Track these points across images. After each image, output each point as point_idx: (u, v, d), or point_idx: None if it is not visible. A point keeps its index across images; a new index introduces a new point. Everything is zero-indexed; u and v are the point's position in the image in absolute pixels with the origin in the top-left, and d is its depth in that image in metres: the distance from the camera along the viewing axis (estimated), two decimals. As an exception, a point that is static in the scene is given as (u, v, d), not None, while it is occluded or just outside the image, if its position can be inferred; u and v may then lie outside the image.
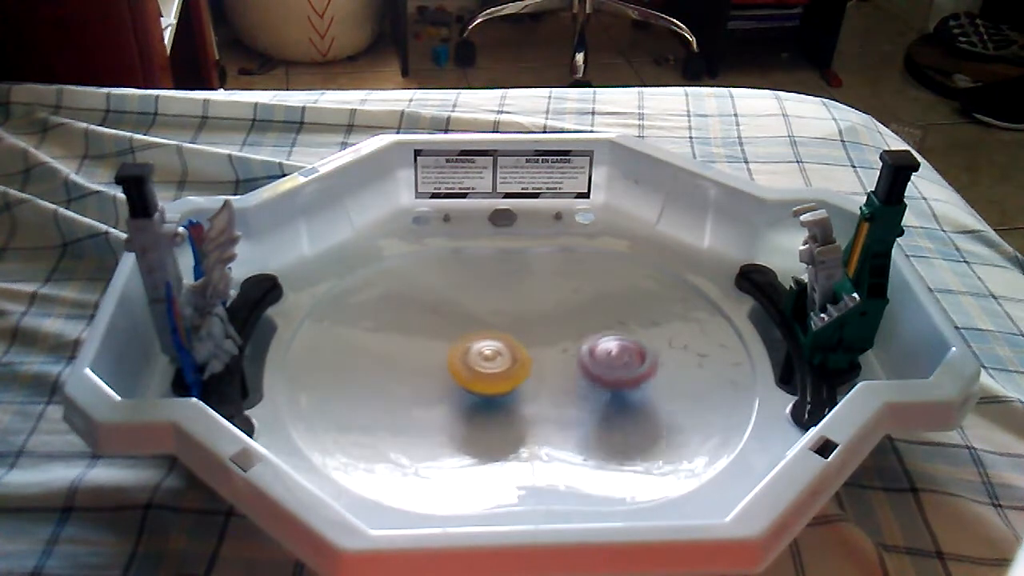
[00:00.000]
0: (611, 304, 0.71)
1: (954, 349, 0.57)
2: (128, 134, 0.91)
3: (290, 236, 0.73)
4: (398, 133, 0.92)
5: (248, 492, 0.47)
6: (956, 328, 0.64)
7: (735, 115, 1.01)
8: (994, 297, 0.76)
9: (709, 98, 1.05)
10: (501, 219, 0.79)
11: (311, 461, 0.57)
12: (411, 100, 1.01)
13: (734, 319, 0.69)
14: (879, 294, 0.60)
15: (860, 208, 0.59)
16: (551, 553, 0.46)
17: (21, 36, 1.11)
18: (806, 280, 0.63)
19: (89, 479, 0.57)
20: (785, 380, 0.64)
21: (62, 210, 0.79)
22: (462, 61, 2.37)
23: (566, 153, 0.77)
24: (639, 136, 0.96)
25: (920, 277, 0.64)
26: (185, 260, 0.59)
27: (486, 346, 0.62)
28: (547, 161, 0.77)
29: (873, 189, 0.59)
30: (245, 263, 0.66)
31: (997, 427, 0.63)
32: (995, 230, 0.88)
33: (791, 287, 0.66)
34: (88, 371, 0.53)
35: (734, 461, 0.57)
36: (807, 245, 0.61)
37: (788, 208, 0.63)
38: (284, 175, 0.79)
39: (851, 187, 0.89)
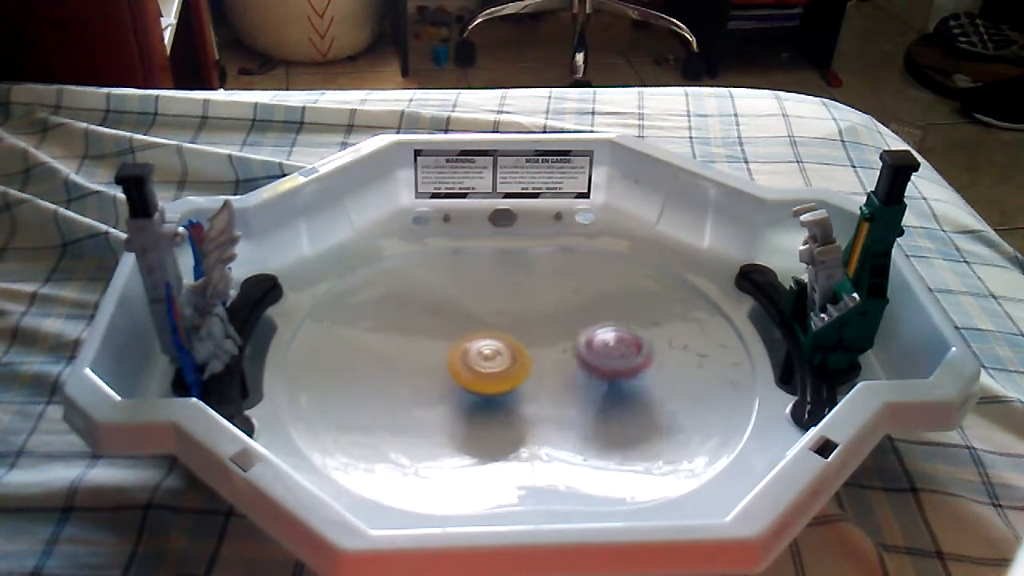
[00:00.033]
0: (611, 304, 0.71)
1: (954, 349, 0.57)
2: (128, 134, 0.91)
3: (290, 236, 0.73)
4: (398, 133, 0.92)
5: (248, 492, 0.47)
6: (956, 328, 0.64)
7: (735, 115, 1.01)
8: (994, 297, 0.76)
9: (709, 98, 1.05)
10: (501, 219, 0.79)
11: (311, 461, 0.57)
12: (411, 100, 1.01)
13: (734, 319, 0.69)
14: (879, 294, 0.60)
15: (860, 208, 0.59)
16: (551, 553, 0.46)
17: (21, 36, 1.11)
18: (806, 280, 0.63)
19: (89, 479, 0.57)
20: (785, 380, 0.64)
21: (62, 210, 0.79)
22: (462, 61, 2.37)
23: (566, 153, 0.77)
24: (639, 136, 0.96)
25: (920, 277, 0.64)
26: (185, 260, 0.59)
27: (486, 346, 0.62)
28: (547, 161, 0.77)
29: (873, 189, 0.59)
30: (245, 263, 0.66)
31: (997, 427, 0.63)
32: (995, 230, 0.88)
33: (791, 287, 0.66)
34: (88, 371, 0.53)
35: (734, 461, 0.57)
36: (807, 245, 0.61)
37: (788, 208, 0.63)
38: (284, 175, 0.79)
39: (851, 187, 0.89)
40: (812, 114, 1.03)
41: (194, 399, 0.52)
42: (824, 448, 0.50)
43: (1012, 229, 1.79)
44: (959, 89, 2.28)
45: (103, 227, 0.77)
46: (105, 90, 0.99)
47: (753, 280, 0.71)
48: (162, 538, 0.54)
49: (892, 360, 0.64)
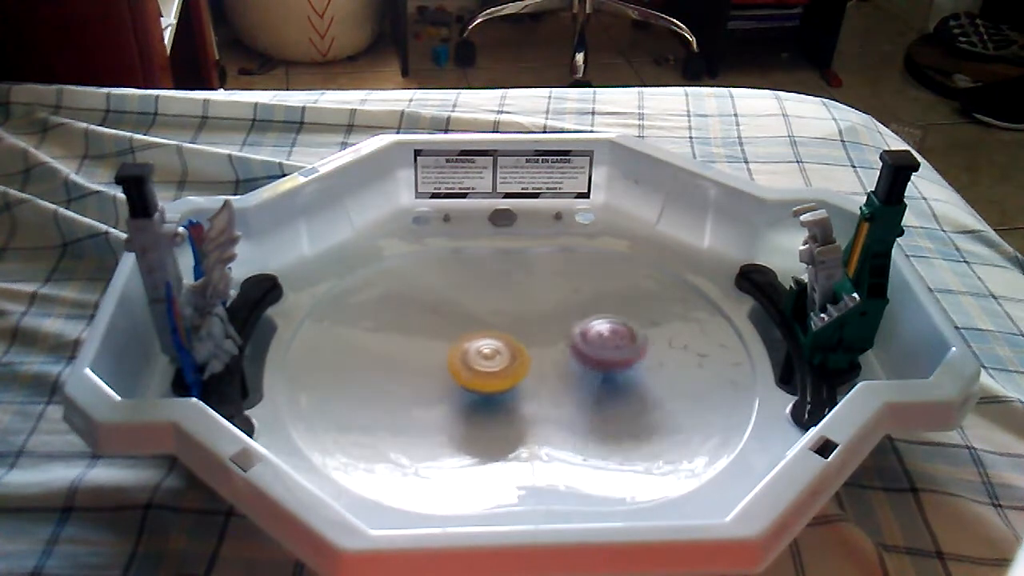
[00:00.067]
0: (611, 304, 0.71)
1: (954, 349, 0.57)
2: (128, 134, 0.91)
3: (290, 236, 0.73)
4: (398, 133, 0.92)
5: (248, 492, 0.47)
6: (956, 328, 0.64)
7: (735, 115, 1.01)
8: (994, 297, 0.76)
9: (709, 98, 1.05)
10: (501, 219, 0.79)
11: (311, 461, 0.57)
12: (411, 100, 1.01)
13: (734, 319, 0.69)
14: (879, 294, 0.60)
15: (860, 208, 0.59)
16: (551, 553, 0.46)
17: (21, 36, 1.11)
18: (806, 280, 0.63)
19: (89, 479, 0.57)
20: (785, 380, 0.64)
21: (62, 210, 0.79)
22: (462, 61, 2.37)
23: (566, 153, 0.77)
24: (639, 136, 0.96)
25: (920, 277, 0.64)
26: (185, 260, 0.59)
27: (485, 345, 0.62)
28: (547, 161, 0.77)
29: (873, 189, 0.59)
30: (245, 263, 0.66)
31: (997, 427, 0.63)
32: (995, 230, 0.88)
33: (791, 287, 0.66)
34: (88, 371, 0.53)
35: (734, 461, 0.57)
36: (807, 245, 0.61)
37: (788, 208, 0.63)
38: (284, 175, 0.79)
39: (851, 187, 0.89)
40: (812, 114, 1.03)
41: (194, 399, 0.52)
42: (824, 448, 0.50)
43: (1012, 229, 1.79)
44: (959, 89, 2.28)
45: (103, 227, 0.77)
46: (105, 90, 0.99)
47: (753, 280, 0.71)
48: (162, 538, 0.54)
49: (892, 360, 0.64)
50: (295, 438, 0.58)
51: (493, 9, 2.33)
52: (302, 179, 0.73)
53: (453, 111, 0.98)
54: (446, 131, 0.94)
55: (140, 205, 0.54)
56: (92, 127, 0.92)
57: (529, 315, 0.70)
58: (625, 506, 0.55)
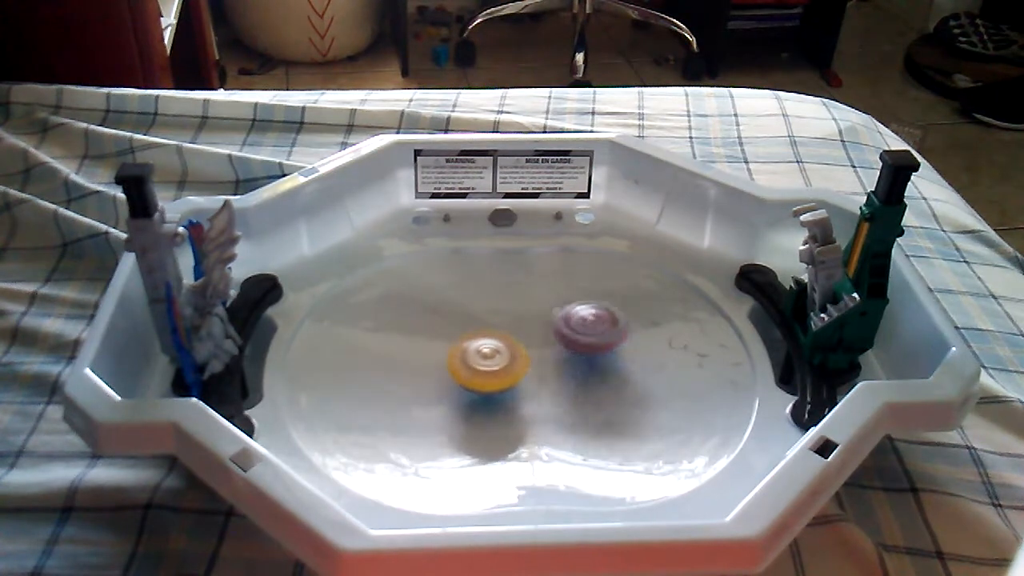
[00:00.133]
0: (611, 304, 0.71)
1: (954, 349, 0.57)
2: (128, 134, 0.91)
3: (290, 236, 0.73)
4: (398, 133, 0.92)
5: (248, 492, 0.47)
6: (956, 328, 0.64)
7: (735, 115, 1.01)
8: (994, 297, 0.76)
9: (709, 98, 1.05)
10: (501, 219, 0.79)
11: (311, 461, 0.57)
12: (411, 100, 1.01)
13: (734, 319, 0.69)
14: (879, 294, 0.60)
15: (860, 208, 0.59)
16: (551, 553, 0.46)
17: (21, 36, 1.11)
18: (806, 280, 0.63)
19: (89, 479, 0.57)
20: (785, 380, 0.64)
21: (62, 210, 0.79)
22: (462, 61, 2.37)
23: (566, 153, 0.77)
24: (639, 136, 0.96)
25: (920, 277, 0.64)
26: (185, 260, 0.59)
27: (485, 344, 0.62)
28: (547, 161, 0.77)
29: (873, 189, 0.59)
30: (245, 263, 0.66)
31: (997, 427, 0.63)
32: (995, 230, 0.88)
33: (791, 287, 0.66)
34: (88, 371, 0.53)
35: (734, 461, 0.57)
36: (807, 245, 0.61)
37: (788, 208, 0.63)
38: (284, 175, 0.79)
39: (851, 187, 0.89)
40: (812, 114, 1.03)
41: (194, 399, 0.52)
42: (824, 448, 0.50)
43: (1012, 229, 1.79)
44: (959, 89, 2.28)
45: (103, 227, 0.77)
46: (105, 90, 0.99)
47: (753, 280, 0.71)
48: (162, 538, 0.54)
49: (892, 360, 0.63)
50: (295, 438, 0.58)
51: (493, 9, 2.33)
52: (302, 179, 0.73)
53: (453, 111, 0.98)
54: (446, 131, 0.94)
55: (140, 205, 0.54)
56: (92, 127, 0.92)
57: (529, 315, 0.70)
58: (625, 506, 0.55)
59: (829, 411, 0.53)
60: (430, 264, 0.76)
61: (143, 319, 0.58)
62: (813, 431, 0.51)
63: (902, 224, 0.59)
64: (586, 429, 0.61)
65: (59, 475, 0.57)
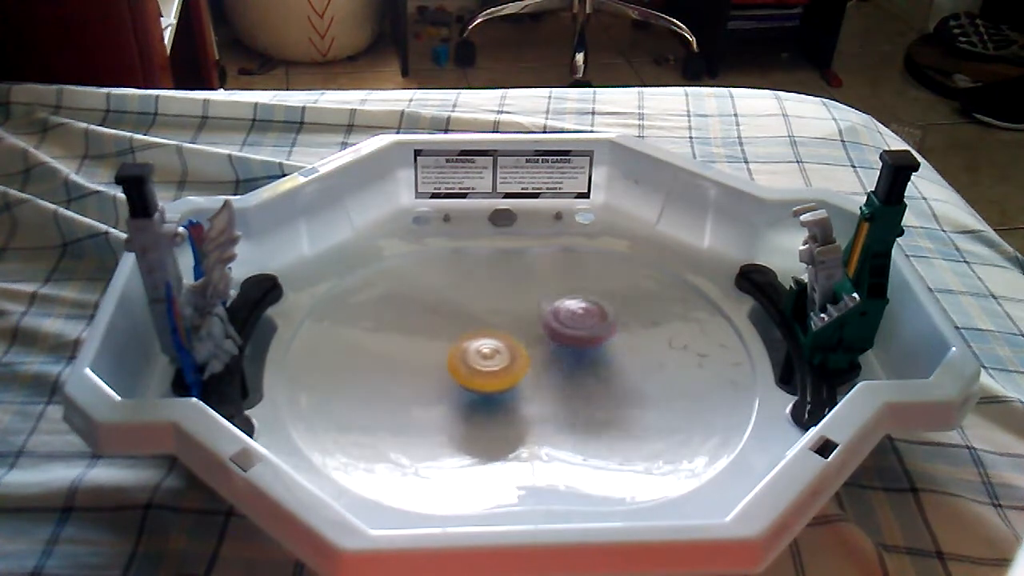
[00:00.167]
0: (611, 304, 0.71)
1: (954, 349, 0.57)
2: (128, 134, 0.91)
3: (290, 236, 0.73)
4: (398, 133, 0.92)
5: (248, 492, 0.47)
6: (956, 328, 0.64)
7: (735, 115, 1.01)
8: (994, 297, 0.76)
9: (709, 98, 1.05)
10: (501, 219, 0.79)
11: (311, 461, 0.57)
12: (411, 100, 1.01)
13: (734, 319, 0.69)
14: (879, 294, 0.60)
15: (860, 208, 0.59)
16: (551, 553, 0.46)
17: (21, 36, 1.11)
18: (806, 280, 0.63)
19: (89, 479, 0.57)
20: (785, 380, 0.64)
21: (62, 210, 0.79)
22: (462, 61, 2.37)
23: (566, 153, 0.77)
24: (639, 136, 0.96)
25: (920, 277, 0.64)
26: (185, 260, 0.59)
27: (485, 344, 0.62)
28: (547, 161, 0.77)
29: (873, 189, 0.59)
30: (245, 263, 0.66)
31: (997, 427, 0.63)
32: (995, 230, 0.88)
33: (791, 287, 0.66)
34: (88, 371, 0.53)
35: (734, 461, 0.57)
36: (807, 245, 0.61)
37: (788, 208, 0.63)
38: (284, 175, 0.79)
39: (851, 187, 0.89)
40: (812, 114, 1.03)
41: (194, 399, 0.52)
42: (824, 448, 0.50)
43: (1012, 229, 1.79)
44: (959, 89, 2.28)
45: (103, 227, 0.77)
46: (105, 90, 0.99)
47: (753, 280, 0.71)
48: (162, 538, 0.54)
49: (892, 360, 0.63)
50: (295, 438, 0.58)
51: (493, 9, 2.33)
52: (302, 179, 0.73)
53: (453, 111, 0.98)
54: (446, 131, 0.94)
55: (140, 205, 0.54)
56: (92, 127, 0.92)
57: (529, 315, 0.70)
58: (625, 506, 0.55)
59: (829, 411, 0.53)
60: (430, 264, 0.76)
61: (143, 319, 0.58)
62: (813, 431, 0.51)
63: (902, 224, 0.59)
64: (586, 429, 0.61)
65: (59, 475, 0.57)
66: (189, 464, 0.51)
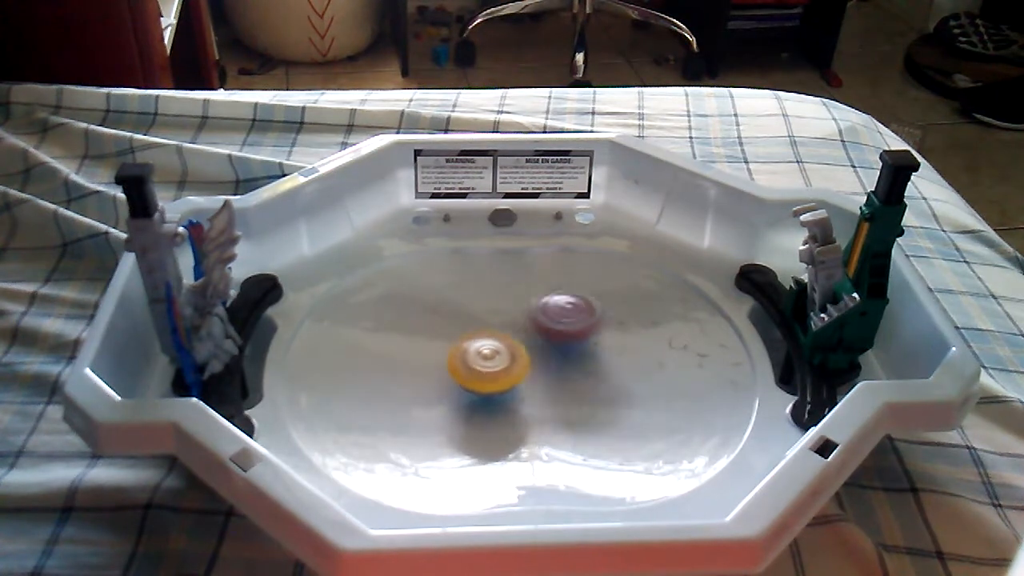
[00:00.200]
0: (611, 304, 0.71)
1: (954, 349, 0.57)
2: (128, 134, 0.91)
3: (290, 236, 0.73)
4: (398, 133, 0.92)
5: (248, 492, 0.47)
6: (956, 328, 0.64)
7: (735, 115, 1.01)
8: (994, 297, 0.76)
9: (709, 98, 1.05)
10: (501, 219, 0.79)
11: (311, 461, 0.56)
12: (411, 100, 1.01)
13: (734, 319, 0.69)
14: (879, 294, 0.60)
15: (860, 208, 0.59)
16: (551, 553, 0.46)
17: (21, 36, 1.11)
18: (806, 280, 0.63)
19: (89, 479, 0.57)
20: (785, 380, 0.64)
21: (62, 210, 0.79)
22: (462, 61, 2.37)
23: (566, 153, 0.77)
24: (639, 136, 0.96)
25: (920, 277, 0.64)
26: (185, 260, 0.59)
27: (485, 345, 0.62)
28: (547, 161, 0.77)
29: (873, 189, 0.59)
30: (245, 263, 0.66)
31: (997, 427, 0.63)
32: (995, 230, 0.88)
33: (791, 287, 0.66)
34: (88, 371, 0.53)
35: (734, 461, 0.57)
36: (807, 245, 0.61)
37: (788, 208, 0.63)
38: (284, 175, 0.79)
39: (851, 187, 0.89)
40: (812, 114, 1.03)
41: (194, 399, 0.52)
42: (824, 448, 0.50)
43: (1012, 229, 1.79)
44: (959, 89, 2.28)
45: (103, 227, 0.77)
46: (105, 90, 0.99)
47: (753, 280, 0.71)
48: (162, 538, 0.54)
49: (892, 360, 0.63)
50: (295, 438, 0.58)
51: (493, 9, 2.33)
52: (302, 179, 0.73)
53: (453, 111, 0.98)
54: (446, 131, 0.94)
55: (140, 205, 0.54)
56: (92, 127, 0.92)
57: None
58: (625, 506, 0.55)
59: (829, 411, 0.53)
60: (430, 264, 0.76)
61: (143, 319, 0.58)
62: (813, 431, 0.51)
63: (902, 224, 0.59)
64: (586, 429, 0.61)
65: (59, 475, 0.57)
66: (189, 464, 0.51)
